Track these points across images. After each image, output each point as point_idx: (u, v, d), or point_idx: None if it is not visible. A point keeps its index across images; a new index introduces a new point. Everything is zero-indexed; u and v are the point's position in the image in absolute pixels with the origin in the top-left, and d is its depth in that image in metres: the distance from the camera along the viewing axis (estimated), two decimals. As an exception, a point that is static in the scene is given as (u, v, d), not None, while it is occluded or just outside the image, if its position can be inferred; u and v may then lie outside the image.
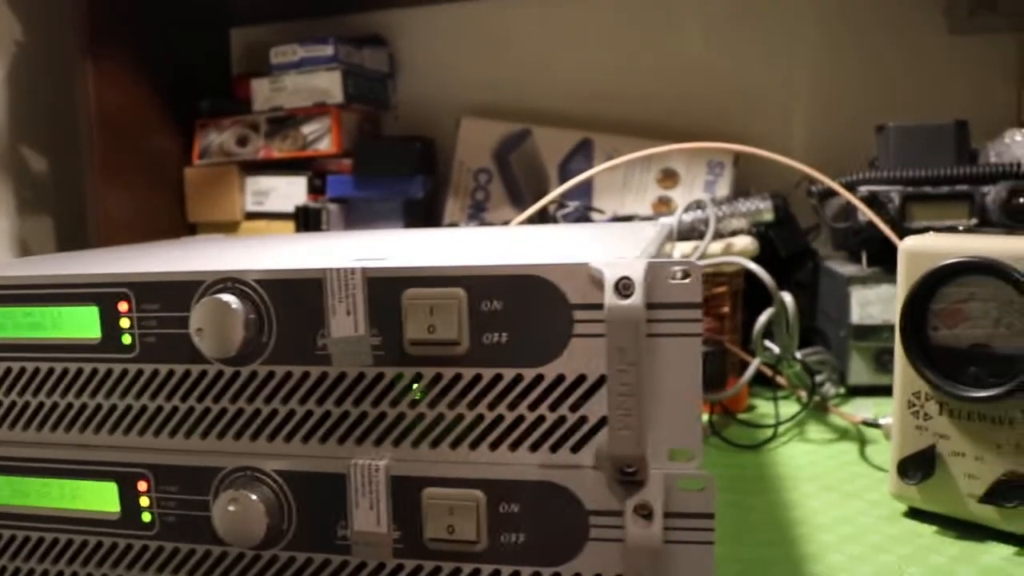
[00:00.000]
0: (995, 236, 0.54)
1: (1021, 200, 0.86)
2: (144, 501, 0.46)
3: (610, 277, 0.36)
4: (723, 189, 1.11)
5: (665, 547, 0.39)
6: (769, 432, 0.77)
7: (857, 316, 0.88)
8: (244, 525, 0.43)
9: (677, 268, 0.38)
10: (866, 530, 0.57)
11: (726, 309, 0.89)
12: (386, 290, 0.41)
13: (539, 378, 0.40)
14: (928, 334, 0.57)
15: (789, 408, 0.84)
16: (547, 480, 0.40)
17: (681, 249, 0.89)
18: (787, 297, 0.74)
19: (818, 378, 0.88)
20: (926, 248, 0.56)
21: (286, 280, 0.42)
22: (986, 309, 0.54)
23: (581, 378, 0.39)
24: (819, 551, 0.54)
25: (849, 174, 0.90)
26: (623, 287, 0.36)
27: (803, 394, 0.85)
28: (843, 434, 0.78)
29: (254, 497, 0.43)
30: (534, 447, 0.40)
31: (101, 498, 0.47)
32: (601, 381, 0.39)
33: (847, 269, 0.92)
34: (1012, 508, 0.53)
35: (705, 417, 0.80)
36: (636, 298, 0.36)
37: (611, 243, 0.48)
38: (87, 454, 0.47)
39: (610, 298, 0.36)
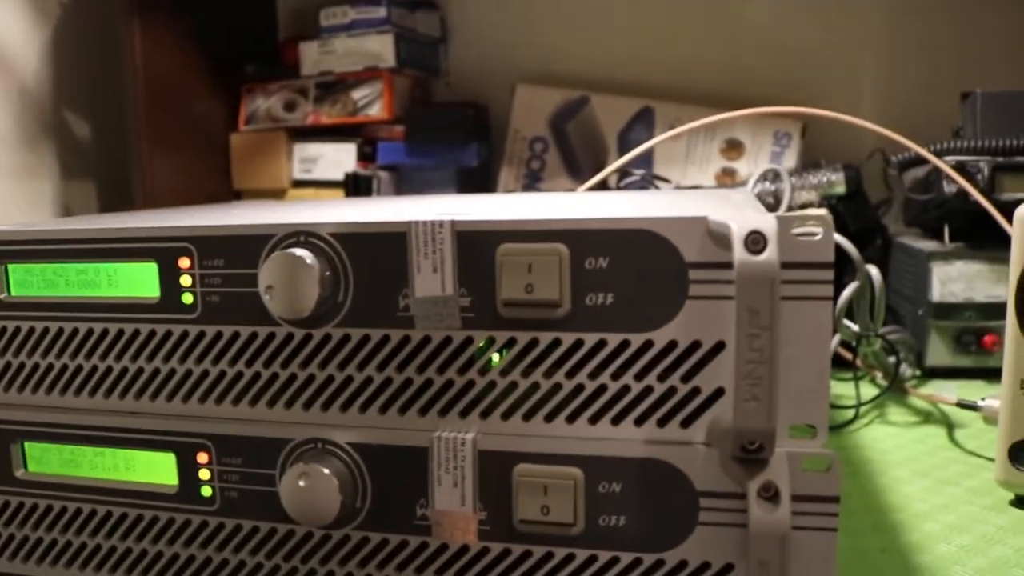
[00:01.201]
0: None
1: (1117, 172, 0.80)
2: (204, 474, 0.43)
3: (739, 231, 0.32)
4: (790, 161, 1.06)
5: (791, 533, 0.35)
6: (850, 414, 0.73)
7: (938, 294, 0.84)
8: (315, 502, 0.39)
9: (808, 224, 0.34)
10: (972, 519, 0.53)
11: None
12: (478, 245, 0.37)
13: (648, 344, 0.36)
14: (1046, 308, 0.52)
15: (866, 390, 0.80)
16: (653, 457, 0.36)
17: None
18: (873, 270, 0.70)
19: (898, 360, 0.83)
20: (1046, 214, 0.52)
21: (366, 234, 0.39)
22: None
23: (695, 344, 0.35)
24: (924, 541, 0.50)
25: (932, 143, 0.85)
26: (752, 242, 0.32)
27: (879, 375, 0.81)
28: (926, 417, 0.73)
29: (326, 471, 0.39)
30: (639, 421, 0.36)
31: (158, 470, 0.44)
32: (718, 348, 0.35)
33: (927, 245, 0.87)
34: None
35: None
36: (770, 253, 0.31)
37: (711, 205, 0.44)
38: (143, 422, 0.43)
39: (741, 253, 0.31)
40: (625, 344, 0.36)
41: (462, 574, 0.39)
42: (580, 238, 0.36)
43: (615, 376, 0.36)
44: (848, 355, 0.79)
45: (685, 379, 0.35)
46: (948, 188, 0.82)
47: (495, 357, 0.38)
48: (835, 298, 0.74)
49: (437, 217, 0.37)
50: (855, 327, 0.74)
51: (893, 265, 0.98)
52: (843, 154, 1.02)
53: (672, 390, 0.36)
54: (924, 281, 0.84)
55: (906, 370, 0.84)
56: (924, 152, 0.80)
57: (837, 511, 0.36)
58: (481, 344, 0.37)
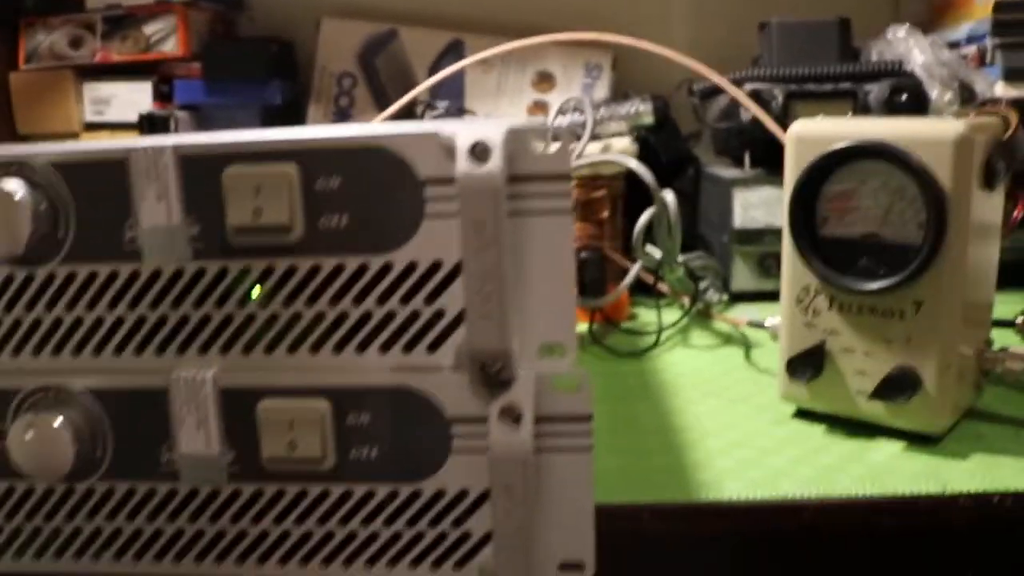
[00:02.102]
0: (885, 120, 0.51)
1: (902, 98, 0.83)
2: (-73, 431, 0.39)
3: (463, 142, 0.30)
4: (601, 92, 1.06)
5: (538, 456, 0.34)
6: (651, 340, 0.74)
7: (740, 220, 0.85)
8: (45, 453, 0.36)
9: (542, 133, 0.33)
10: (755, 434, 0.54)
11: (605, 214, 0.85)
12: (203, 170, 0.34)
13: (387, 267, 0.34)
14: (817, 226, 0.53)
15: (673, 316, 0.81)
16: (401, 385, 0.35)
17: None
18: (669, 195, 0.70)
19: (701, 285, 0.85)
20: (816, 133, 0.52)
21: (85, 163, 0.35)
22: (877, 198, 0.51)
23: (436, 265, 0.34)
24: (706, 457, 0.51)
25: (732, 73, 0.86)
26: (478, 152, 0.31)
27: (686, 301, 0.82)
28: (728, 340, 0.75)
29: (56, 421, 0.36)
30: (385, 347, 0.35)
31: None
32: (459, 268, 0.34)
33: (729, 172, 0.89)
34: (901, 403, 0.50)
35: (584, 326, 0.76)
36: (494, 163, 0.30)
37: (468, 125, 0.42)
38: None
39: (463, 164, 0.30)
40: (364, 267, 0.34)
41: (216, 518, 0.37)
42: (310, 157, 0.34)
43: (356, 301, 0.34)
44: (651, 281, 0.80)
45: (428, 300, 0.34)
46: (745, 116, 0.83)
47: (255, 291, 0.35)
48: (632, 229, 0.74)
49: (158, 143, 0.34)
50: (657, 254, 0.74)
51: (703, 195, 0.99)
52: (654, 86, 1.02)
53: (416, 314, 0.34)
54: (727, 208, 0.86)
55: (713, 295, 0.86)
56: (719, 79, 0.80)
57: (590, 430, 0.35)
58: (244, 278, 0.35)
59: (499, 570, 0.35)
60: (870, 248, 0.51)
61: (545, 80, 1.05)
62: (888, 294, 0.50)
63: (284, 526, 0.37)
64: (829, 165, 0.52)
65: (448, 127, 0.33)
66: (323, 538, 0.37)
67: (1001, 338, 0.58)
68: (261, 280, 0.35)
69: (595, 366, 0.69)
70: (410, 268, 0.34)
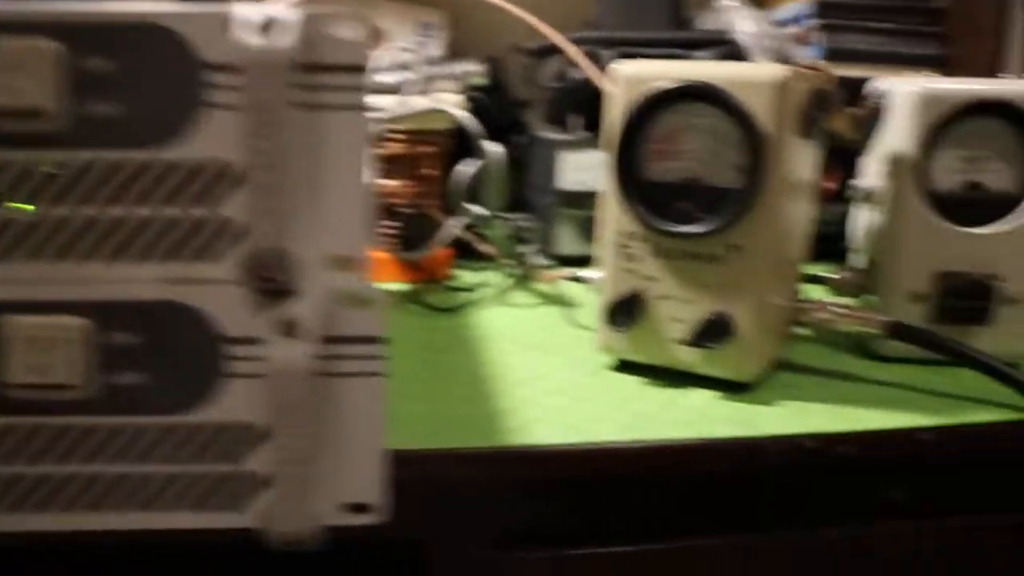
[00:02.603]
0: (709, 63, 0.50)
1: (727, 67, 0.84)
2: None
3: (252, 19, 0.27)
4: (435, 51, 1.03)
5: (323, 381, 0.31)
6: (472, 297, 0.71)
7: (565, 182, 0.84)
8: None
9: (342, 20, 0.30)
10: (569, 384, 0.53)
11: (433, 171, 0.82)
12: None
13: (158, 163, 0.30)
14: (641, 169, 0.52)
15: (497, 278, 0.79)
16: (170, 299, 0.31)
17: (384, 102, 0.80)
18: (493, 147, 0.68)
19: (526, 248, 0.83)
20: (642, 73, 0.51)
21: None
22: (699, 141, 0.50)
23: (218, 162, 0.30)
24: (516, 405, 0.49)
25: (566, 33, 0.85)
26: (269, 30, 0.27)
27: (511, 263, 0.80)
28: (550, 299, 0.74)
29: None
30: (151, 255, 0.31)
31: None
32: (240, 166, 0.30)
33: (557, 135, 0.87)
34: (716, 350, 0.49)
35: (403, 285, 0.73)
36: (284, 43, 0.27)
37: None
38: None
39: (250, 42, 0.26)
40: (131, 161, 0.30)
41: (-47, 456, 0.32)
42: (76, 34, 0.29)
43: (120, 201, 0.30)
44: (478, 240, 0.78)
45: (203, 202, 0.30)
46: (577, 75, 0.82)
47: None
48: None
49: None
50: (481, 211, 0.72)
51: (534, 159, 0.98)
52: (490, 46, 1.00)
53: (189, 217, 0.30)
54: (553, 170, 0.85)
55: (537, 258, 0.84)
56: (555, 36, 0.79)
57: (383, 353, 0.32)
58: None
59: (279, 509, 0.31)
60: (691, 192, 0.50)
61: (377, 36, 1.01)
62: (706, 238, 0.50)
63: (40, 467, 0.32)
64: (654, 106, 0.51)
65: (237, 5, 0.29)
66: (87, 481, 0.32)
67: (813, 294, 0.59)
68: (19, 180, 0.30)
69: (412, 321, 0.66)
70: (184, 164, 0.30)
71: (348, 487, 0.34)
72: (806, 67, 0.55)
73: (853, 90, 0.62)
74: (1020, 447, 0.51)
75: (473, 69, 0.91)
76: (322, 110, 0.30)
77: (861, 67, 0.84)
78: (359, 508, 0.34)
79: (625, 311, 0.52)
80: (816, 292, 0.59)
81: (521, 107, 1.00)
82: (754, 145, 0.48)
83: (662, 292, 0.52)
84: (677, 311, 0.51)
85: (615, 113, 0.52)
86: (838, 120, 0.87)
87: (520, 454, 0.43)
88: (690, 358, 0.51)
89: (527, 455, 0.43)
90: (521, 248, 0.82)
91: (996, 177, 0.56)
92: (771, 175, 0.48)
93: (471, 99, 0.93)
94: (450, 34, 1.05)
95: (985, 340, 0.57)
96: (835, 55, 0.89)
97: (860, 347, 0.60)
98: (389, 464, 0.35)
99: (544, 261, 0.84)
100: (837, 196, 0.80)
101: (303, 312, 0.30)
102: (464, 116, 0.69)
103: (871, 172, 0.61)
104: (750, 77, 0.48)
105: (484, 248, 0.80)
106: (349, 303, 0.32)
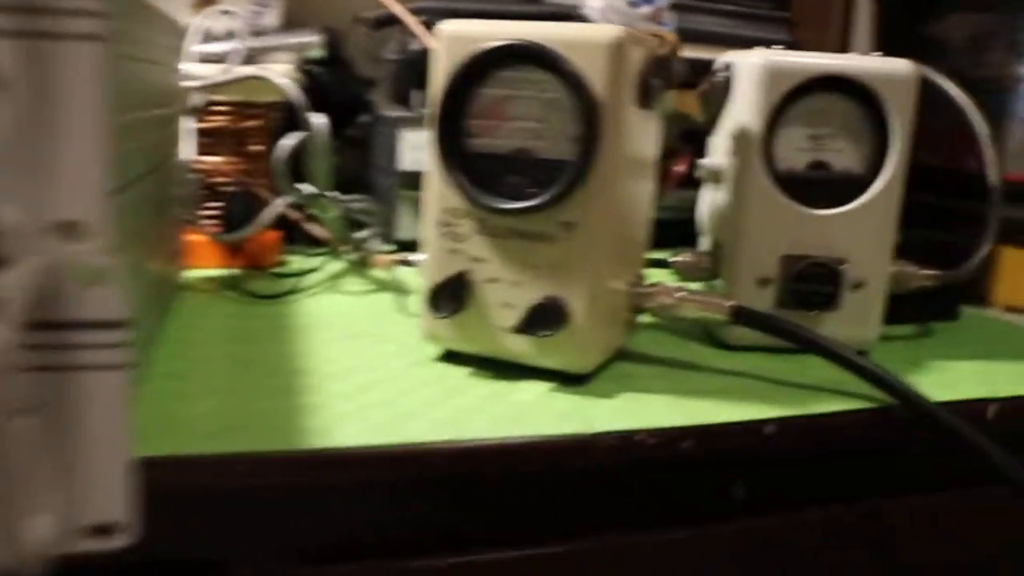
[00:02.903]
0: (540, 23, 0.45)
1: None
2: None
3: None
4: (272, 20, 0.95)
5: (43, 375, 0.25)
6: (302, 282, 0.65)
7: (406, 162, 0.79)
8: None
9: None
10: (389, 377, 0.47)
11: (259, 147, 0.75)
12: None
13: None
14: (465, 139, 0.47)
15: (332, 264, 0.73)
16: None
17: (205, 71, 0.73)
18: (318, 119, 0.62)
19: (364, 233, 0.78)
20: (468, 32, 0.46)
21: None
22: (529, 109, 0.46)
23: None
24: (325, 401, 0.43)
25: (406, 4, 0.79)
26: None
27: (348, 248, 0.74)
28: (384, 286, 0.68)
29: None
30: None
31: None
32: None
33: (398, 112, 0.82)
34: (547, 339, 0.45)
35: (222, 271, 0.66)
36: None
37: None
38: None
39: None
40: None
41: None
42: None
43: None
44: (311, 223, 0.72)
45: None
46: (417, 47, 0.77)
47: None
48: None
49: None
50: (309, 189, 0.66)
51: (376, 140, 0.92)
52: (330, 17, 0.94)
53: None
54: (394, 149, 0.79)
55: (377, 243, 0.78)
56: (394, 7, 0.73)
57: (122, 341, 0.26)
58: None
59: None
60: (520, 164, 0.46)
61: (208, 3, 0.93)
62: (536, 215, 0.45)
63: None
64: (479, 68, 0.46)
65: None
66: None
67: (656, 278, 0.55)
68: None
69: (226, 309, 0.59)
70: None
71: (87, 505, 0.28)
72: (646, 33, 0.51)
73: (703, 72, 0.59)
74: (866, 436, 0.48)
75: (309, 40, 0.85)
76: (45, 38, 0.24)
77: (711, 49, 0.81)
78: (103, 530, 0.28)
79: (449, 296, 0.47)
80: (661, 276, 0.56)
81: (366, 84, 0.94)
82: (587, 112, 0.43)
83: (490, 275, 0.47)
84: (506, 295, 0.47)
85: (438, 77, 0.46)
86: (687, 100, 0.84)
87: (314, 457, 0.38)
88: (521, 347, 0.47)
89: (321, 458, 0.38)
90: (358, 232, 0.76)
91: (842, 157, 0.54)
92: (606, 146, 0.44)
93: (308, 73, 0.86)
94: (288, 3, 0.98)
95: (833, 326, 0.54)
96: (686, 36, 0.87)
97: (706, 335, 0.57)
98: (144, 473, 0.29)
99: (383, 246, 0.78)
100: (689, 180, 0.78)
101: (6, 288, 0.24)
102: (287, 85, 0.62)
103: (718, 151, 0.58)
104: (582, 37, 0.44)
105: (317, 232, 0.74)
106: (79, 280, 0.26)
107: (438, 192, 0.48)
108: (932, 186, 0.52)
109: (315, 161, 0.63)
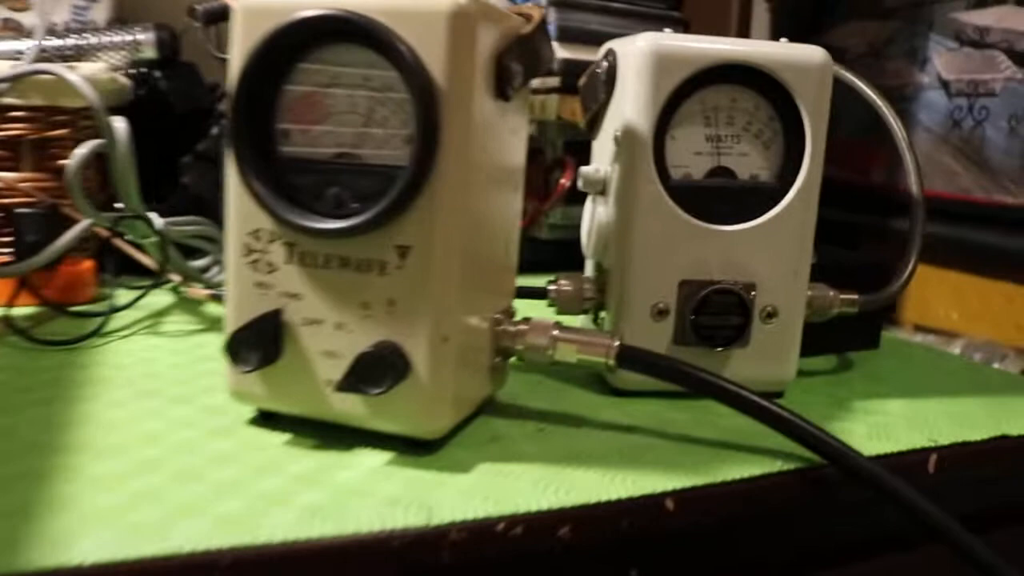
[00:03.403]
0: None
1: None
2: None
3: None
4: (101, 15, 0.83)
5: None
6: (97, 324, 0.53)
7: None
8: None
9: None
10: (178, 451, 0.36)
11: (68, 161, 0.63)
12: None
13: None
14: (272, 140, 0.36)
15: (167, 299, 0.62)
16: None
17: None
18: (118, 122, 0.51)
19: (203, 261, 0.66)
20: (266, 5, 0.36)
21: None
22: (354, 102, 0.35)
23: None
24: (80, 491, 0.32)
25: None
26: None
27: (177, 278, 0.63)
28: (214, 324, 0.57)
29: None
30: None
31: None
32: None
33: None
34: (377, 395, 0.34)
35: (23, 309, 0.54)
36: None
37: None
38: None
39: None
40: None
41: None
42: None
43: None
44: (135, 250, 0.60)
45: None
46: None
47: None
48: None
49: None
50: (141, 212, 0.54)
51: (222, 153, 0.80)
52: (165, 14, 0.82)
53: None
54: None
55: (217, 272, 0.67)
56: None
57: None
58: None
59: None
60: (342, 173, 0.36)
61: (16, -6, 0.81)
62: (363, 237, 0.35)
63: None
64: (285, 49, 0.35)
65: None
66: None
67: (531, 313, 0.45)
68: None
69: (7, 360, 0.47)
70: None
71: None
72: (507, 9, 0.41)
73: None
74: (787, 504, 0.39)
75: (141, 39, 0.73)
76: None
77: (596, 50, 0.73)
78: None
79: (256, 343, 0.36)
80: (537, 310, 0.46)
81: (213, 91, 0.83)
82: (423, 103, 0.33)
83: (308, 315, 0.36)
84: (330, 341, 0.36)
85: (234, 63, 0.36)
86: (572, 106, 0.75)
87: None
88: (351, 407, 0.36)
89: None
90: (194, 261, 0.65)
91: (747, 162, 0.45)
92: (449, 147, 0.34)
93: (143, 77, 0.75)
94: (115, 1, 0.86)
95: (743, 364, 0.45)
96: (570, 35, 0.78)
97: (593, 378, 0.48)
98: None
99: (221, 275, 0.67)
100: (577, 195, 0.68)
101: None
102: (79, 83, 0.51)
103: (602, 156, 0.48)
104: (414, 5, 0.33)
105: (145, 260, 0.62)
106: None
107: (240, 211, 0.37)
108: (834, 200, 0.44)
109: (118, 174, 0.51)
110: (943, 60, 1.02)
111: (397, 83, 0.34)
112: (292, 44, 0.35)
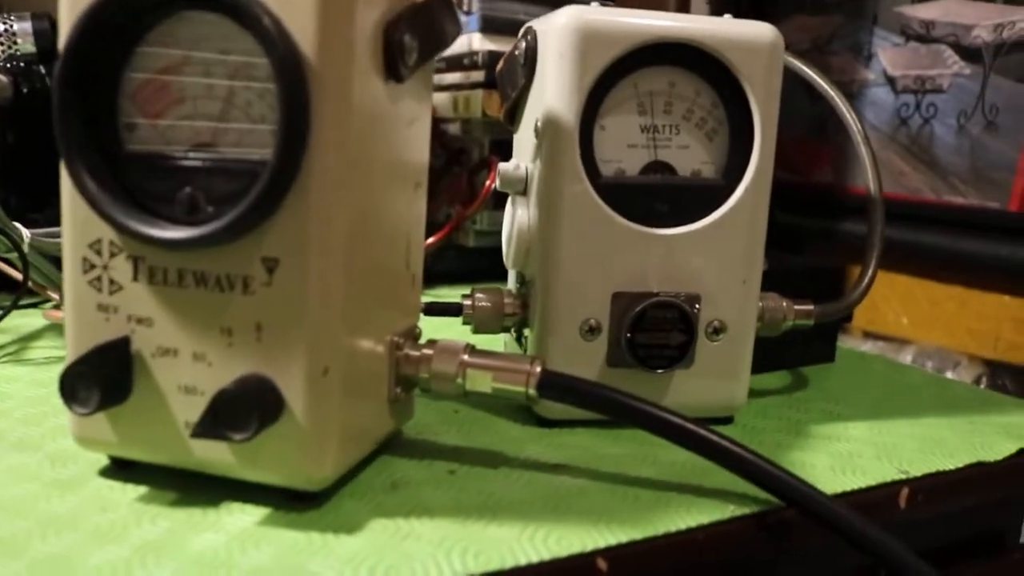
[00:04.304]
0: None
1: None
2: None
3: None
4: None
5: None
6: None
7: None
8: None
9: None
10: (5, 513, 0.29)
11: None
12: None
13: None
14: (112, 132, 0.30)
15: (37, 321, 0.54)
16: None
17: None
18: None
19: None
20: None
21: None
22: (211, 82, 0.29)
23: None
24: None
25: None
26: None
27: (56, 296, 0.55)
28: (91, 350, 0.49)
29: None
30: None
31: None
32: None
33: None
34: (242, 441, 0.28)
35: None
36: None
37: None
38: None
39: None
40: None
41: None
42: None
43: None
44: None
45: None
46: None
47: None
48: None
49: None
50: None
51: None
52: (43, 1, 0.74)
53: None
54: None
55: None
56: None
57: None
58: None
59: None
60: (197, 171, 0.29)
61: None
62: (222, 248, 0.28)
63: None
64: (122, 17, 0.29)
65: None
66: None
67: (446, 332, 0.39)
68: None
69: None
70: None
71: None
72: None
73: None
74: (739, 553, 0.33)
75: (17, 28, 0.66)
76: None
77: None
78: None
79: (96, 378, 0.29)
80: (453, 331, 0.40)
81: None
82: (288, 83, 0.27)
83: (161, 343, 0.30)
84: (187, 375, 0.30)
85: (61, 39, 0.29)
86: (495, 101, 0.69)
87: None
88: (214, 454, 0.30)
89: None
90: (26, 266, 0.57)
91: (688, 156, 0.40)
92: (323, 138, 0.27)
93: (24, 74, 0.67)
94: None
95: (687, 387, 0.40)
96: (492, 25, 0.72)
97: (517, 406, 0.41)
98: None
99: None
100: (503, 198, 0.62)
101: None
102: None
103: (523, 151, 0.42)
104: (277, -38, 0.27)
105: (14, 275, 0.55)
106: None
107: (75, 218, 0.30)
108: (776, 202, 0.39)
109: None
110: (888, 56, 0.98)
111: (261, 60, 0.28)
112: (132, 13, 0.28)
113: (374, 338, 0.32)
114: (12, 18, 0.66)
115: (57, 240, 0.53)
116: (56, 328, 0.54)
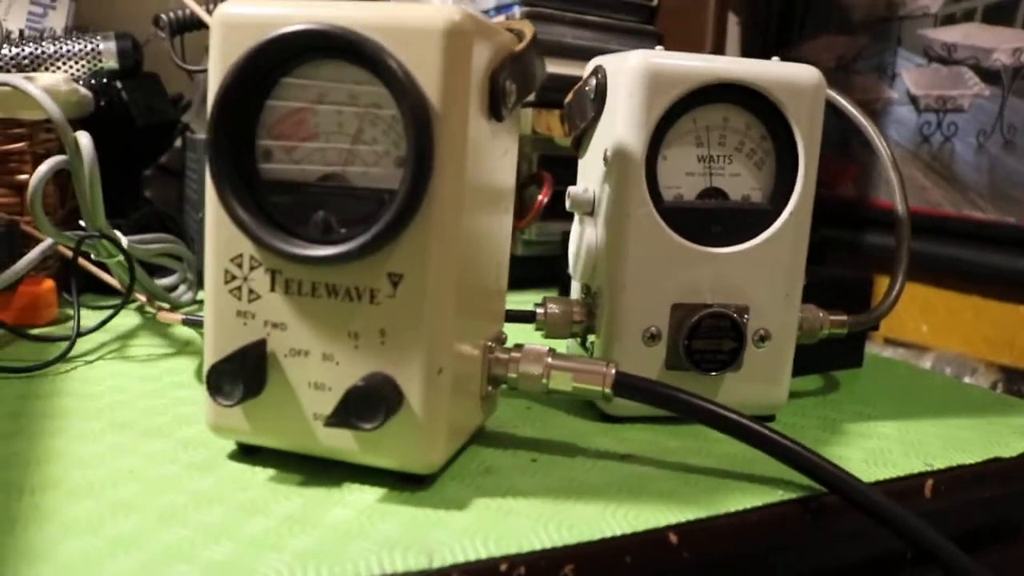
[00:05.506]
0: (357, 4, 0.33)
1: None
2: None
3: None
4: (58, 22, 0.81)
5: None
6: (62, 349, 0.51)
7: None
8: None
9: None
10: (157, 491, 0.34)
11: (28, 175, 0.61)
12: None
13: None
14: (253, 161, 0.35)
15: (132, 320, 0.59)
16: None
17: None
18: (83, 138, 0.48)
19: (171, 280, 0.64)
20: (252, 15, 0.34)
21: None
22: (341, 120, 0.34)
23: None
24: (54, 536, 0.30)
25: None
26: None
27: (143, 297, 0.60)
28: (185, 347, 0.55)
29: None
30: None
31: None
32: None
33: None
34: (369, 430, 0.33)
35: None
36: None
37: None
38: None
39: None
40: None
41: None
42: None
43: None
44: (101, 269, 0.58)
45: None
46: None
47: None
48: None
49: None
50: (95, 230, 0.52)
51: (189, 169, 0.78)
52: (133, 20, 0.80)
53: None
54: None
55: (186, 294, 0.65)
56: (195, 6, 0.60)
57: None
58: None
59: None
60: (330, 197, 0.34)
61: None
62: (353, 264, 0.33)
63: None
64: (269, 64, 0.33)
65: None
66: None
67: (517, 336, 0.44)
68: None
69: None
70: None
71: None
72: (497, 24, 0.40)
73: (565, 89, 0.48)
74: (788, 534, 0.38)
75: (102, 48, 0.71)
76: None
77: (572, 64, 0.71)
78: None
79: (238, 375, 0.34)
80: (524, 335, 0.45)
81: (177, 103, 0.81)
82: (416, 124, 0.32)
83: (294, 345, 0.35)
84: (318, 373, 0.35)
85: (213, 77, 0.34)
86: (547, 120, 0.74)
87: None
88: (340, 441, 0.35)
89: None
90: (161, 280, 0.62)
91: (739, 183, 0.44)
92: (443, 169, 0.32)
93: (104, 88, 0.72)
94: (79, 5, 0.83)
95: (736, 388, 0.44)
96: (541, 49, 0.77)
97: (582, 403, 0.46)
98: None
99: (195, 296, 0.65)
100: (551, 211, 0.67)
101: None
102: (39, 95, 0.49)
103: (590, 176, 0.47)
104: (408, 21, 0.32)
105: (110, 279, 0.60)
106: None
107: (220, 236, 0.35)
108: None
109: (83, 192, 0.49)
110: (912, 76, 1.02)
111: (387, 100, 0.33)
112: (276, 59, 0.33)
113: (474, 342, 0.37)
114: (98, 37, 0.71)
115: (145, 247, 0.58)
116: (149, 326, 0.59)
